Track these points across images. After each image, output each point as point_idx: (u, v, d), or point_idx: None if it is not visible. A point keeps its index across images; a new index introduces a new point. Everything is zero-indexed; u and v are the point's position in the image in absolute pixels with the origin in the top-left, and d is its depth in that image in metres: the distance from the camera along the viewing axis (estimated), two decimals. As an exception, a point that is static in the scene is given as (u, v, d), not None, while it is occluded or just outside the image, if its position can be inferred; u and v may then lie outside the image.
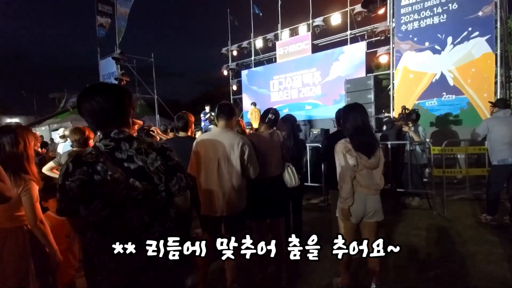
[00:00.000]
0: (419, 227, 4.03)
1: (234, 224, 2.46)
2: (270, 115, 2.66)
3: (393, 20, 7.16)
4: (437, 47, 6.53)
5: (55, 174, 3.55)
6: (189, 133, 3.25)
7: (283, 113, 3.11)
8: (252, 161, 2.40)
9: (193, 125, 3.34)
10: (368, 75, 8.23)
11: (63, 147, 5.58)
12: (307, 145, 6.12)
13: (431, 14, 6.58)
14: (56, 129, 11.50)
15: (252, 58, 12.61)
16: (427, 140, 4.94)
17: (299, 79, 10.84)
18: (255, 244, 2.67)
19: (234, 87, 13.37)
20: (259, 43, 12.08)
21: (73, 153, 3.35)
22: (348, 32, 9.59)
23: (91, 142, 3.65)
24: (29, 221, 1.85)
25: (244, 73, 13.00)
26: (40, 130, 11.66)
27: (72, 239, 2.24)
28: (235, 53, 12.92)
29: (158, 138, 4.20)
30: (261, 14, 12.27)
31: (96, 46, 13.04)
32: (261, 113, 2.82)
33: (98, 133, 1.25)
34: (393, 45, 7.31)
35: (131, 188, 1.18)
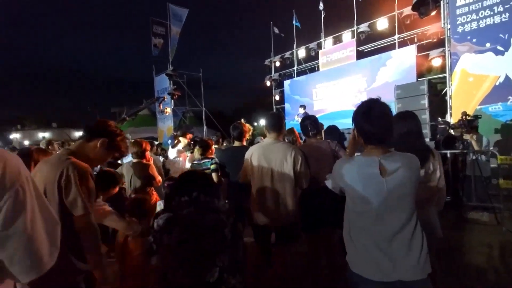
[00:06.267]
0: (485, 244, 3.69)
1: (286, 235, 2.45)
2: (309, 127, 2.67)
3: (448, 21, 6.74)
4: (499, 47, 5.99)
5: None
6: (243, 143, 3.36)
7: (340, 123, 3.07)
8: (305, 171, 2.39)
9: (247, 134, 3.45)
10: (420, 79, 7.80)
11: (125, 158, 6.17)
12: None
13: (491, 13, 6.07)
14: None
15: (295, 68, 12.70)
16: (491, 148, 4.52)
17: (343, 87, 10.63)
18: (307, 255, 2.65)
19: (277, 97, 13.54)
20: (301, 53, 12.15)
21: (136, 165, 3.70)
22: (396, 36, 9.22)
23: (148, 154, 3.98)
24: None
25: (286, 83, 13.13)
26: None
27: None
28: (278, 63, 13.14)
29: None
30: (300, 26, 12.37)
31: (151, 64, 14.31)
32: (301, 123, 2.82)
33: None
34: (449, 48, 6.86)
35: (205, 219, 1.39)
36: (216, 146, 5.95)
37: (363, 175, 1.30)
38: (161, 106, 12.26)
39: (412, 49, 8.62)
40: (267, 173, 2.40)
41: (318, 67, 11.88)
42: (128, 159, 5.88)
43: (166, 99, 12.81)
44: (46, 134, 31.92)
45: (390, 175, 1.27)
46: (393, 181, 1.27)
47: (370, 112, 1.35)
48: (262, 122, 25.29)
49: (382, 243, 1.28)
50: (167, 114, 13.03)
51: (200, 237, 1.37)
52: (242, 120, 10.09)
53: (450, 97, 6.83)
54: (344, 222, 1.42)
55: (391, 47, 9.60)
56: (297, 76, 12.83)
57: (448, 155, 4.67)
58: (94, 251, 1.51)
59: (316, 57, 11.80)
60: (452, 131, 4.95)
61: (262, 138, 5.84)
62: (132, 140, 4.72)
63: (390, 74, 9.14)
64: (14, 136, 32.45)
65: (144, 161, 3.87)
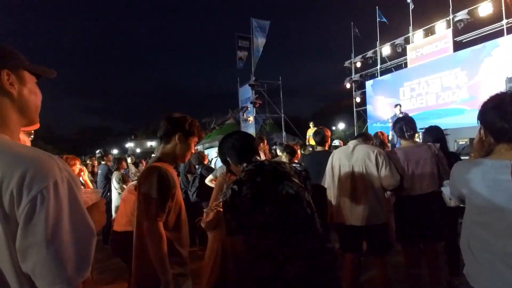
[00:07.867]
0: None
1: (376, 239, 2.39)
2: (405, 129, 2.47)
3: None
4: None
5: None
6: (326, 147, 3.45)
7: (434, 123, 2.91)
8: (390, 173, 2.33)
9: (329, 139, 3.57)
10: (539, 69, 6.59)
11: (218, 161, 6.99)
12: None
13: None
14: (208, 148, 14.21)
15: (378, 67, 12.08)
16: None
17: (438, 83, 9.62)
18: (404, 267, 2.51)
19: (358, 99, 13.06)
20: (386, 50, 11.50)
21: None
22: (504, 21, 7.96)
23: None
24: None
25: (368, 83, 12.56)
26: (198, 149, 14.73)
27: None
28: (358, 64, 12.71)
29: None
30: (387, 22, 11.76)
31: (235, 76, 15.64)
32: (394, 125, 2.72)
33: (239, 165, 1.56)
34: None
35: (286, 187, 1.42)
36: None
37: (489, 181, 1.12)
38: (244, 115, 13.28)
39: (527, 34, 7.33)
40: (348, 172, 2.41)
41: (405, 63, 11.06)
42: (220, 163, 6.70)
43: (249, 108, 13.77)
44: (153, 143, 37.36)
45: None
46: None
47: (502, 105, 1.15)
48: (341, 126, 24.38)
49: (510, 259, 1.08)
50: (250, 122, 13.98)
51: (290, 208, 1.39)
52: (311, 124, 10.08)
53: None
54: (462, 231, 1.26)
55: (497, 34, 8.34)
56: (380, 76, 12.16)
57: None
58: (158, 261, 1.41)
59: (402, 54, 11.01)
60: None
61: (340, 141, 5.79)
62: None
63: (498, 65, 7.90)
64: (129, 145, 38.92)
65: None
